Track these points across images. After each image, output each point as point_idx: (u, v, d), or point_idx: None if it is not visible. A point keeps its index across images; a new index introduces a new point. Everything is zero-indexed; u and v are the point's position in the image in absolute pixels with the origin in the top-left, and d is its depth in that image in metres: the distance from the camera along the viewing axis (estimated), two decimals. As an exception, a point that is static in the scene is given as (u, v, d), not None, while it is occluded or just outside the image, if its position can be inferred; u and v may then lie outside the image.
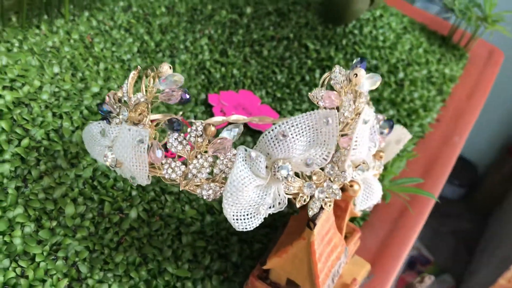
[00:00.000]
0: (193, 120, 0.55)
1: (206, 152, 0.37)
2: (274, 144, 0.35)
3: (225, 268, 0.50)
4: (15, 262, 0.41)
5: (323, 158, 0.36)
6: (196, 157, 0.36)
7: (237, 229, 0.36)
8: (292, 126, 0.35)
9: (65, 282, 0.42)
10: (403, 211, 0.62)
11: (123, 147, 0.37)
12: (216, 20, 0.77)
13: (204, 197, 0.36)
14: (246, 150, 0.36)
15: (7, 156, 0.45)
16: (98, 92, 0.56)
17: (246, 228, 0.36)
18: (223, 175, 0.36)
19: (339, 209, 0.46)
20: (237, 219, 0.36)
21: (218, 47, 0.74)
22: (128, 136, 0.36)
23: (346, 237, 0.51)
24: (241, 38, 0.75)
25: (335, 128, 0.36)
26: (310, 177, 0.38)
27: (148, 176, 0.37)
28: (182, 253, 0.48)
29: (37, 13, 0.65)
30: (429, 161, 0.69)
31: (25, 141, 0.46)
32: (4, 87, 0.48)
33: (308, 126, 0.36)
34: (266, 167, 0.36)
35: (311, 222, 0.39)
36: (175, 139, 0.37)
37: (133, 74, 0.39)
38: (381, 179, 0.56)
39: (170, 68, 0.38)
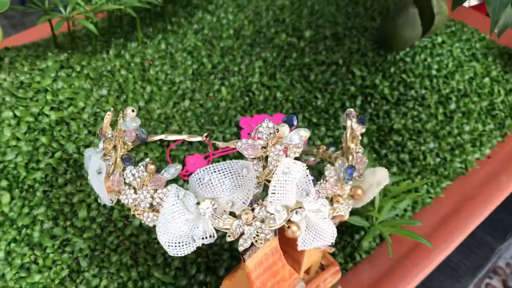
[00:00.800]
0: (216, 142, 0.62)
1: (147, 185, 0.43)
2: (199, 185, 0.41)
3: (209, 280, 0.56)
4: (31, 251, 0.53)
5: (243, 202, 0.41)
6: (141, 188, 0.43)
7: (170, 254, 0.42)
8: (215, 172, 0.40)
9: (66, 272, 0.52)
10: (413, 249, 0.61)
11: (91, 173, 0.45)
12: (275, 43, 0.82)
13: (146, 223, 0.43)
14: (177, 188, 0.41)
15: (42, 165, 0.57)
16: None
17: (177, 254, 0.42)
18: (159, 207, 0.43)
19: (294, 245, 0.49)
20: (169, 246, 0.42)
21: (269, 70, 0.79)
22: (92, 165, 0.44)
23: (323, 269, 0.54)
24: (293, 62, 0.79)
25: (252, 177, 0.40)
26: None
27: (111, 199, 0.45)
28: (172, 261, 0.56)
29: (114, 37, 0.77)
30: (462, 199, 0.66)
31: (58, 154, 0.57)
32: (52, 108, 0.60)
33: (230, 172, 0.40)
34: (198, 203, 0.42)
35: (241, 256, 0.43)
36: (129, 171, 0.44)
37: (108, 114, 0.46)
38: (372, 222, 0.57)
39: (133, 111, 0.45)
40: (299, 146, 0.42)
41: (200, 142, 0.67)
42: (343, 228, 0.62)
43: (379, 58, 0.76)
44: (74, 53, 0.70)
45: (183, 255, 0.42)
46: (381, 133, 0.71)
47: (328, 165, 0.47)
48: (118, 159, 0.45)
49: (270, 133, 0.41)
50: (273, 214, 0.42)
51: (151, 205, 0.43)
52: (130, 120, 0.44)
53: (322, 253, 0.53)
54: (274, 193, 0.40)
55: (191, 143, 0.66)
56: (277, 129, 0.40)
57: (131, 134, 0.44)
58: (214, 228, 0.42)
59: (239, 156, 0.66)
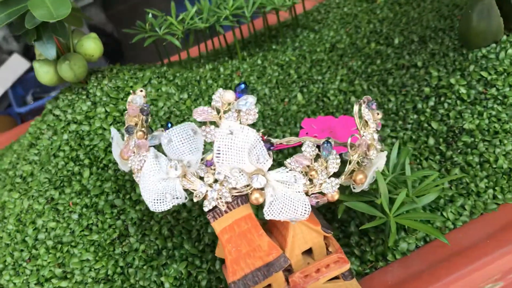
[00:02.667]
0: (271, 139, 0.68)
1: (139, 150, 0.51)
2: (165, 146, 0.47)
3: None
4: (96, 215, 0.65)
5: (196, 162, 0.45)
6: (133, 153, 0.51)
7: (151, 209, 0.49)
8: (174, 134, 0.46)
9: (116, 234, 0.63)
10: (455, 254, 0.55)
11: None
12: (364, 52, 0.83)
13: (137, 181, 0.51)
14: (154, 151, 0.48)
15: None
16: (206, 112, 0.75)
17: (157, 210, 0.49)
18: (143, 167, 0.50)
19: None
20: (149, 202, 0.49)
21: (351, 77, 0.80)
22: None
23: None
24: (376, 68, 0.79)
25: (199, 138, 0.45)
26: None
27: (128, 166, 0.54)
28: (203, 237, 0.62)
29: (221, 56, 0.88)
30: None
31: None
32: (135, 106, 0.73)
33: (186, 134, 0.46)
34: (171, 165, 0.48)
35: (208, 216, 0.47)
36: (133, 140, 0.52)
37: (130, 96, 0.56)
38: (387, 213, 0.53)
39: (142, 91, 0.54)
40: (250, 113, 0.45)
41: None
42: (383, 227, 0.59)
43: (459, 57, 0.70)
44: (173, 67, 0.83)
45: (161, 211, 0.49)
46: (450, 134, 0.65)
47: (307, 141, 0.48)
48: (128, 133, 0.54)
49: (222, 100, 0.45)
50: (228, 176, 0.45)
51: (140, 167, 0.50)
52: (136, 96, 0.53)
53: (321, 236, 0.52)
54: (219, 153, 0.44)
55: (249, 139, 0.72)
56: (222, 95, 0.44)
57: (133, 108, 0.53)
58: (185, 188, 0.48)
59: (294, 152, 0.69)
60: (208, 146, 0.51)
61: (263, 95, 0.80)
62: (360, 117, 0.52)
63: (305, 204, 0.47)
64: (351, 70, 0.81)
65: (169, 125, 0.61)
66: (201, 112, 0.45)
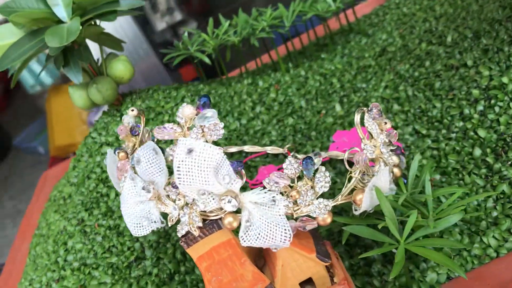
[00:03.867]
0: (297, 155, 0.64)
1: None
2: (138, 169, 0.45)
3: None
4: (117, 237, 0.64)
5: (161, 184, 0.42)
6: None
7: (133, 234, 0.47)
8: (142, 155, 0.44)
9: (133, 257, 0.62)
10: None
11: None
12: (414, 54, 0.75)
13: (123, 205, 0.49)
14: (131, 173, 0.46)
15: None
16: (234, 129, 0.71)
17: (137, 234, 0.46)
18: (125, 190, 0.48)
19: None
20: (130, 226, 0.47)
21: (396, 82, 0.72)
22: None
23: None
24: (424, 71, 0.70)
25: (160, 158, 0.42)
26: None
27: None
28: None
29: (266, 69, 0.85)
30: None
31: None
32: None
33: (151, 155, 0.43)
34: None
35: (181, 242, 0.44)
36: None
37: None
38: (396, 239, 0.45)
39: (133, 111, 0.52)
40: (215, 128, 0.41)
41: (284, 155, 0.67)
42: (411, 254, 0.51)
43: (516, 51, 0.60)
44: (211, 84, 0.81)
45: (141, 235, 0.46)
46: (500, 143, 0.55)
47: (289, 158, 0.43)
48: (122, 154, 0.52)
49: (184, 118, 0.42)
50: (195, 199, 0.42)
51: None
52: (126, 117, 0.51)
53: (321, 265, 0.46)
54: (179, 175, 0.40)
55: (276, 155, 0.67)
56: (181, 110, 0.41)
57: (121, 128, 0.51)
58: (161, 212, 0.45)
59: (322, 169, 0.63)
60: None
61: (298, 108, 0.74)
62: (359, 127, 0.46)
63: (285, 229, 0.41)
64: (398, 75, 0.72)
65: (136, 131, 0.58)
66: (162, 129, 0.42)
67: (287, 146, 0.66)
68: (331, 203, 0.43)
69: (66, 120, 2.54)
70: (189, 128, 0.42)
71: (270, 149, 0.66)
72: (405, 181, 0.50)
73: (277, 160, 0.67)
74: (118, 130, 0.51)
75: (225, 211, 0.42)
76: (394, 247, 0.44)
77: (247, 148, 0.67)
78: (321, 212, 0.42)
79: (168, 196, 0.44)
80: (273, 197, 0.41)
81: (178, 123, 0.43)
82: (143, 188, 0.43)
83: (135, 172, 0.46)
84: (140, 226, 0.46)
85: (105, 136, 0.73)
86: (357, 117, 0.46)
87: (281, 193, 0.42)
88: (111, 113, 0.75)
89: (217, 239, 0.44)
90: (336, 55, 0.85)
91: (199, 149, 0.40)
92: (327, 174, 0.43)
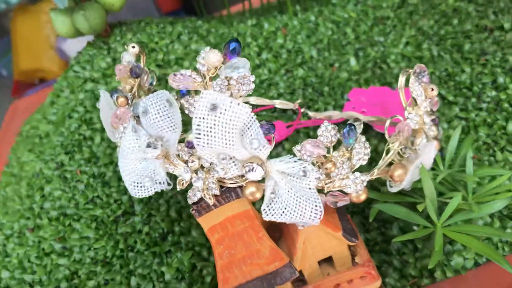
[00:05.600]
0: (309, 112, 0.57)
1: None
2: (144, 121, 0.37)
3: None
4: (102, 187, 0.58)
5: (174, 142, 0.35)
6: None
7: (131, 194, 0.40)
8: (152, 105, 0.36)
9: (120, 210, 0.55)
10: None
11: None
12: (439, 10, 0.68)
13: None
14: (134, 124, 0.39)
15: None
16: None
17: (137, 195, 0.40)
18: (124, 142, 0.41)
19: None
20: (129, 185, 0.40)
21: (419, 39, 0.65)
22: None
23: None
24: (451, 29, 0.64)
25: (177, 112, 0.35)
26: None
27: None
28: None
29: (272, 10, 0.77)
30: None
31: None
32: (158, 65, 0.64)
33: (164, 105, 0.36)
34: (153, 142, 0.38)
35: (192, 210, 0.38)
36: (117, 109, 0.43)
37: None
38: (433, 222, 0.40)
39: (134, 47, 0.44)
40: (243, 81, 0.34)
41: (293, 110, 0.60)
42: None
43: None
44: (211, 22, 0.73)
45: (142, 196, 0.40)
46: (538, 121, 0.50)
47: (325, 122, 0.37)
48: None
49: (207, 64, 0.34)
50: (215, 164, 0.35)
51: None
52: (125, 54, 0.43)
53: (345, 244, 0.41)
54: (199, 134, 0.33)
55: (284, 110, 0.61)
56: (203, 56, 0.34)
57: (120, 68, 0.43)
58: (168, 172, 0.38)
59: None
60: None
61: (309, 58, 0.67)
62: (402, 91, 0.40)
63: (316, 206, 0.36)
64: (421, 31, 0.66)
65: (183, 91, 0.52)
66: (180, 78, 0.34)
67: (298, 101, 0.60)
68: (367, 178, 0.37)
69: (33, 44, 2.38)
70: (212, 79, 0.35)
71: (279, 103, 0.60)
72: (442, 155, 0.44)
73: (286, 116, 0.60)
74: (117, 70, 0.43)
75: (247, 179, 0.36)
76: (430, 231, 0.40)
77: (253, 99, 0.60)
78: (357, 188, 0.37)
79: (178, 155, 0.37)
80: (304, 167, 0.35)
81: (198, 71, 0.35)
82: (149, 145, 0.36)
83: (138, 123, 0.39)
84: (141, 186, 0.39)
85: (90, 71, 0.65)
86: (401, 80, 0.40)
87: (312, 163, 0.36)
88: (97, 45, 0.66)
89: (233, 209, 0.38)
90: (349, 1, 0.77)
91: (225, 106, 0.33)
92: (367, 145, 0.37)
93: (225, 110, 0.33)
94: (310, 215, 0.36)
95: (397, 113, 0.55)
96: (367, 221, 0.49)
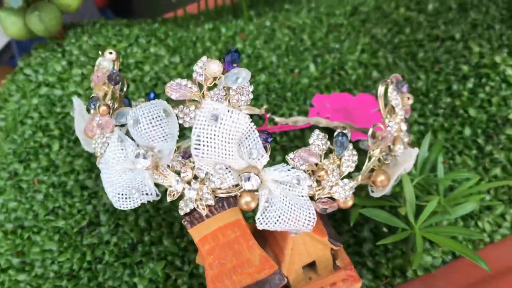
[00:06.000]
0: (275, 117, 0.57)
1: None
2: (133, 131, 0.36)
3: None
4: (63, 197, 0.55)
5: (169, 152, 0.35)
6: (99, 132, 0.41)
7: (115, 206, 0.39)
8: (143, 114, 0.35)
9: (85, 222, 0.53)
10: (492, 276, 0.45)
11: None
12: (391, 19, 0.71)
13: (99, 167, 0.40)
14: (119, 133, 0.38)
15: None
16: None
17: (121, 207, 0.38)
18: (106, 152, 0.39)
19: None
20: (113, 196, 0.39)
21: (374, 47, 0.68)
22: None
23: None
24: (404, 38, 0.67)
25: (174, 121, 0.34)
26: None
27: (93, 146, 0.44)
28: (187, 232, 0.52)
29: (226, 15, 0.77)
30: None
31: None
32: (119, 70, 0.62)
33: (158, 115, 0.35)
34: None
35: (184, 222, 0.37)
36: (99, 116, 0.42)
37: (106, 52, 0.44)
38: (411, 224, 0.43)
39: (111, 53, 0.43)
40: (242, 92, 0.34)
41: (259, 116, 0.61)
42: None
43: (508, 31, 0.58)
44: (167, 24, 0.71)
45: (127, 208, 0.38)
46: (491, 124, 0.54)
47: (316, 130, 0.37)
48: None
49: (204, 73, 0.34)
50: (210, 174, 0.35)
51: (104, 151, 0.40)
52: (103, 60, 0.42)
53: (328, 248, 0.42)
54: (198, 145, 0.33)
55: (250, 116, 0.61)
56: (205, 66, 0.33)
57: (98, 75, 0.42)
58: (156, 183, 0.37)
59: (301, 135, 0.58)
60: (186, 132, 0.41)
61: (269, 64, 0.68)
62: (385, 101, 0.41)
63: (309, 213, 0.36)
64: (375, 39, 0.69)
65: (152, 95, 0.51)
66: (177, 87, 0.34)
67: (264, 107, 0.60)
68: (355, 184, 0.38)
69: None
70: (209, 88, 0.34)
71: (245, 109, 0.60)
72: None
73: (252, 121, 0.60)
74: (94, 77, 0.41)
75: (241, 188, 0.36)
76: (408, 233, 0.42)
77: (218, 104, 0.59)
78: (346, 194, 0.38)
79: (168, 166, 0.36)
80: (297, 175, 0.36)
81: (193, 80, 0.35)
82: (139, 155, 0.35)
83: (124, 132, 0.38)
84: (126, 198, 0.38)
85: (44, 75, 0.61)
86: (381, 89, 0.42)
87: (305, 171, 0.37)
88: (50, 47, 0.63)
89: (224, 219, 0.38)
90: (302, 8, 0.78)
91: (225, 116, 0.33)
92: (355, 152, 0.38)
93: (225, 120, 0.33)
94: (304, 223, 0.36)
95: (358, 118, 0.58)
96: (337, 224, 0.51)
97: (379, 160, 0.41)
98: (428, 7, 0.68)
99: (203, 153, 0.33)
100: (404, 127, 0.42)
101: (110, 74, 0.42)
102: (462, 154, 0.53)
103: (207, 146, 0.33)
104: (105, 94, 0.44)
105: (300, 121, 0.57)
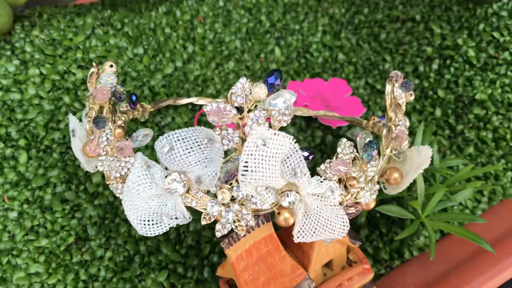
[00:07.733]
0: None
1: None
2: (162, 156, 0.34)
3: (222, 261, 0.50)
4: (42, 213, 0.51)
5: (211, 178, 0.33)
6: (113, 155, 0.38)
7: (140, 233, 0.37)
8: (178, 140, 0.33)
9: (72, 238, 0.50)
10: (480, 252, 0.49)
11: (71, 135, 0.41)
12: (346, -2, 0.72)
13: (117, 195, 0.38)
14: (142, 157, 0.35)
15: (61, 125, 0.54)
16: (170, 74, 0.60)
17: (147, 234, 0.37)
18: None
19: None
20: (138, 223, 0.36)
21: (335, 28, 0.68)
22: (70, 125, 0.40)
23: (351, 265, 0.45)
24: (364, 18, 0.68)
25: (219, 149, 0.33)
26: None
27: (95, 166, 0.41)
28: (185, 238, 0.51)
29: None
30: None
31: (79, 114, 0.54)
32: (79, 66, 0.57)
33: (196, 142, 0.33)
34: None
35: (222, 244, 0.36)
36: (105, 135, 0.39)
37: (91, 71, 0.41)
38: (419, 214, 0.45)
39: (112, 66, 0.40)
40: (285, 113, 0.33)
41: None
42: (396, 218, 0.52)
43: (465, 12, 0.61)
44: (119, 11, 0.66)
45: (153, 235, 0.37)
46: (459, 104, 0.57)
47: (343, 139, 0.38)
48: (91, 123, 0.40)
49: (247, 95, 0.33)
50: (252, 195, 0.34)
51: (121, 175, 0.37)
52: (106, 76, 0.38)
53: (345, 246, 0.43)
54: (246, 171, 0.32)
55: (227, 108, 0.59)
56: (250, 90, 0.32)
57: (103, 93, 0.38)
58: (188, 207, 0.36)
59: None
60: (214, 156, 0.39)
61: (234, 49, 0.66)
62: (390, 97, 0.42)
63: (344, 221, 0.37)
64: (334, 20, 0.69)
65: (134, 98, 0.48)
66: (217, 112, 0.32)
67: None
68: (378, 186, 0.40)
69: None
70: (250, 110, 0.33)
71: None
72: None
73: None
74: (99, 94, 0.38)
75: (278, 204, 0.36)
76: (417, 224, 0.44)
77: (195, 100, 0.57)
78: (371, 197, 0.39)
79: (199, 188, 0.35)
80: (330, 186, 0.36)
81: (230, 101, 0.33)
82: (173, 180, 0.34)
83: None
84: (153, 223, 0.36)
85: (-6, 77, 0.55)
86: (388, 87, 0.43)
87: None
88: (-4, 45, 0.56)
89: (259, 235, 0.38)
90: (252, -15, 0.76)
91: (272, 140, 0.32)
92: (377, 156, 0.39)
93: (272, 143, 0.32)
94: (339, 231, 0.37)
95: (334, 105, 0.59)
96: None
97: (396, 156, 0.42)
98: (382, -14, 0.70)
99: (250, 179, 0.32)
100: (407, 123, 0.44)
101: (114, 91, 0.38)
102: (437, 134, 0.56)
103: (255, 172, 0.32)
104: (101, 107, 0.41)
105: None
